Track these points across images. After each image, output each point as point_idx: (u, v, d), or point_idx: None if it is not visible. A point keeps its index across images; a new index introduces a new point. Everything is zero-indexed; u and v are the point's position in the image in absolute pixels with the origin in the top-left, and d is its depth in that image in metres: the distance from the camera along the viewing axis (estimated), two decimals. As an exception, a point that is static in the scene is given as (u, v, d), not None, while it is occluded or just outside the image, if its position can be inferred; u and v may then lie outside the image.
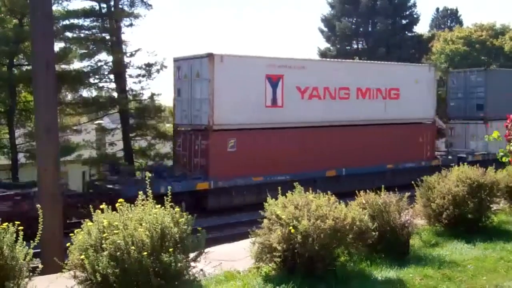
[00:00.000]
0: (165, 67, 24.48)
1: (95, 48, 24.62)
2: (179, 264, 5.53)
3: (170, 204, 6.01)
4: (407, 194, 8.66)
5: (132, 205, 5.95)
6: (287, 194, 7.26)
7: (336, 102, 21.35)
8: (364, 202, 8.13)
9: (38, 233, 5.65)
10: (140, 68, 24.74)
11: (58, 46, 22.53)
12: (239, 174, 18.84)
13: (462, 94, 27.20)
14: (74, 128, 24.65)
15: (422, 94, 23.93)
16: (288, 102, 19.93)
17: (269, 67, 19.52)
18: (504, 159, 11.94)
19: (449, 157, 25.06)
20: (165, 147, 24.83)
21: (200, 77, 18.71)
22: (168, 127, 25.21)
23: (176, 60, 20.59)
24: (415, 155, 23.72)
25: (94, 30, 25.10)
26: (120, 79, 24.58)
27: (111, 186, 18.02)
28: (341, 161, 21.16)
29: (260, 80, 19.27)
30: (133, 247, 5.39)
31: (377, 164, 22.18)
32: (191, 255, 5.96)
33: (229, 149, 18.68)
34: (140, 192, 6.02)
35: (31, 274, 5.53)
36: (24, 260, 5.43)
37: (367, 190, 8.27)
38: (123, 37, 25.49)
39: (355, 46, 49.06)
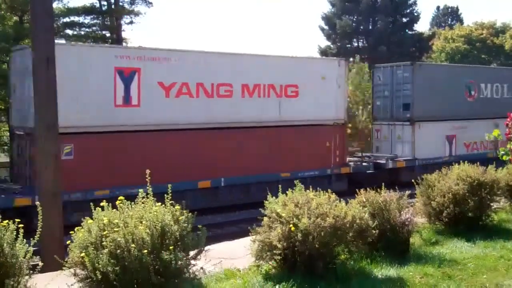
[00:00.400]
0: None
1: (95, 46, 24.70)
2: (179, 262, 5.53)
3: (171, 202, 6.03)
4: (408, 192, 8.67)
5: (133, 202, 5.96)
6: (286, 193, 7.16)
7: (214, 101, 17.91)
8: (364, 200, 8.14)
9: (38, 231, 5.65)
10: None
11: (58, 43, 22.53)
12: (77, 187, 15.23)
13: (389, 92, 23.66)
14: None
15: (329, 92, 20.45)
16: (146, 101, 16.52)
17: (120, 59, 16.19)
18: (504, 158, 11.98)
19: (364, 163, 22.16)
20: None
21: (31, 72, 15.53)
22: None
23: (12, 51, 17.56)
24: (320, 162, 20.25)
25: (94, 28, 25.21)
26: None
27: None
28: (220, 170, 17.85)
29: (107, 74, 15.94)
30: (133, 245, 5.39)
31: (268, 173, 18.60)
32: (191, 253, 5.96)
33: (64, 156, 15.05)
34: (141, 190, 6.03)
35: (31, 271, 5.52)
36: (24, 257, 5.42)
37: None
38: (123, 34, 25.61)
39: (356, 44, 49.08)
